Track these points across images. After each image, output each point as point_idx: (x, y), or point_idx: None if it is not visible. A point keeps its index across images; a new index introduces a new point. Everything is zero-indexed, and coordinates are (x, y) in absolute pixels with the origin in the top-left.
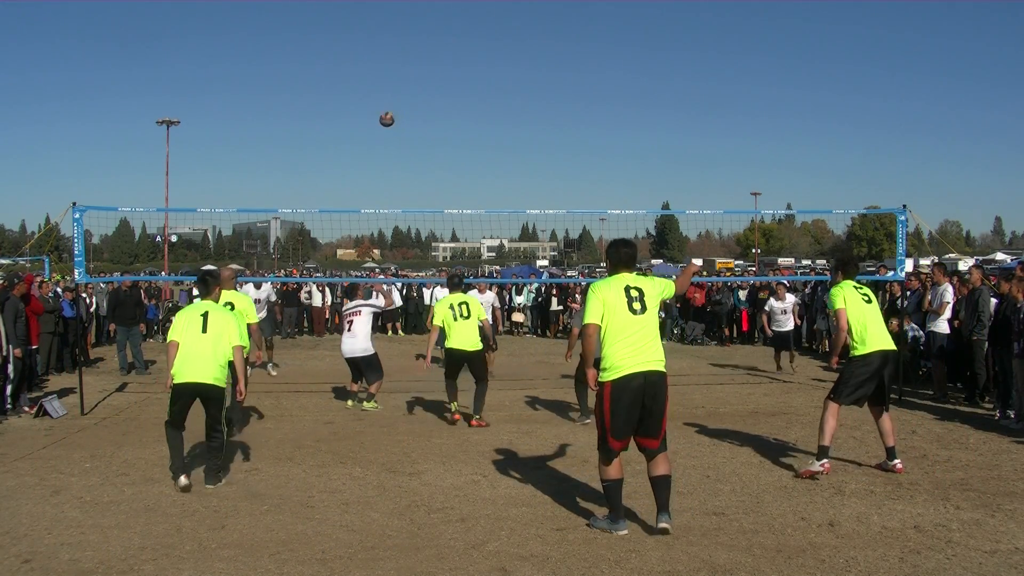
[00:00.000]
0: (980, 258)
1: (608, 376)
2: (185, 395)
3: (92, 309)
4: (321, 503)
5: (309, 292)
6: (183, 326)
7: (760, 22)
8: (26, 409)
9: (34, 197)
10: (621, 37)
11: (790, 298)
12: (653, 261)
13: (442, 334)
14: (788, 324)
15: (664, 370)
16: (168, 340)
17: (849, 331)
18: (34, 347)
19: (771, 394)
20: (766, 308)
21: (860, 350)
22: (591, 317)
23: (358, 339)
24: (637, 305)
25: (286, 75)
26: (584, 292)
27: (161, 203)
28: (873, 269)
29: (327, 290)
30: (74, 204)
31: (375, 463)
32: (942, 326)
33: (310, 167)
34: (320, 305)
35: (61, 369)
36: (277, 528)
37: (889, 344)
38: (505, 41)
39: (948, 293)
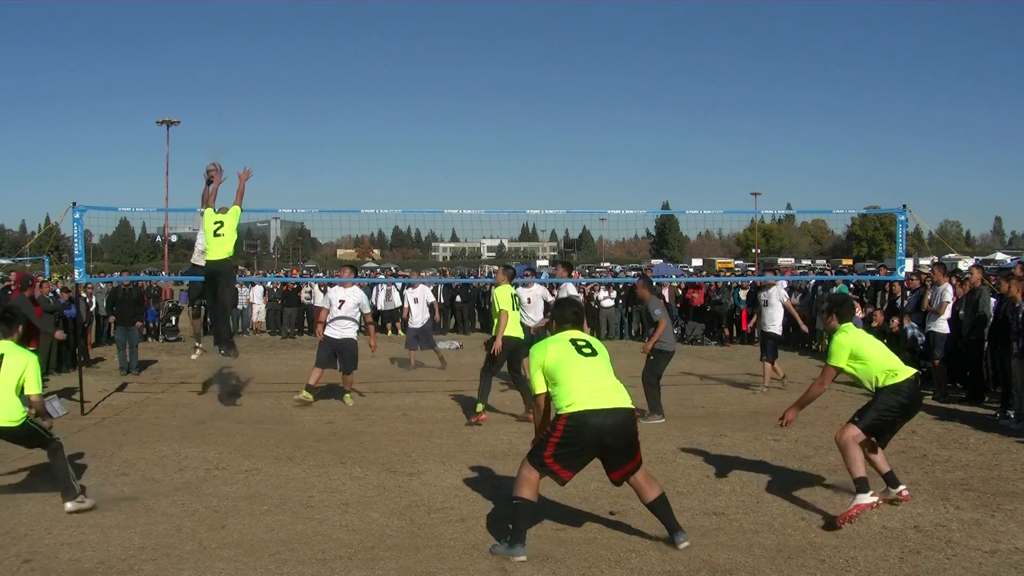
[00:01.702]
0: (980, 258)
1: (566, 409)
2: None
3: (92, 309)
4: (321, 503)
5: (310, 292)
6: None
7: (760, 22)
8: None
9: (34, 197)
10: (621, 38)
11: (776, 289)
12: (653, 261)
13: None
14: (773, 322)
15: (628, 406)
16: None
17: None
18: (32, 349)
19: (771, 394)
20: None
21: (892, 380)
22: (537, 386)
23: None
24: (587, 350)
25: (286, 75)
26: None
27: (161, 203)
28: (873, 269)
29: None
30: (74, 204)
31: (375, 463)
32: (942, 326)
33: (310, 167)
34: (321, 305)
35: (61, 369)
36: (277, 528)
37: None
38: (505, 41)
39: (948, 293)
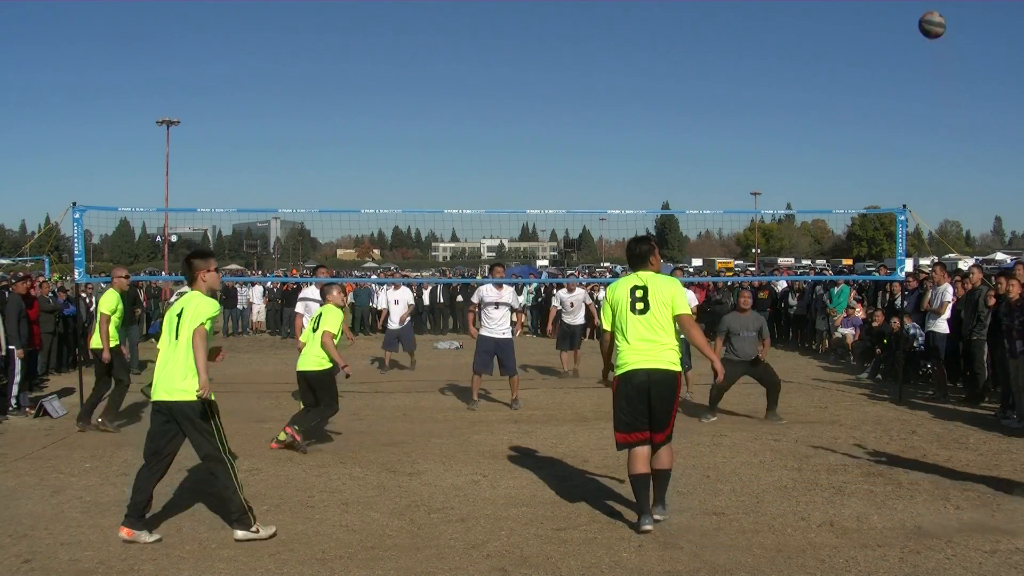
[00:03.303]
0: (980, 258)
1: (617, 371)
2: None
3: (92, 308)
4: (321, 503)
5: None
6: None
7: (760, 22)
8: (26, 409)
9: (34, 197)
10: (621, 37)
11: (580, 292)
12: None
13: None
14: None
15: (670, 368)
16: None
17: None
18: (33, 349)
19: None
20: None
21: None
22: (606, 323)
23: None
24: (640, 305)
25: (286, 75)
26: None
27: (161, 203)
28: (873, 269)
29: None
30: (74, 204)
31: (375, 463)
32: (942, 326)
33: (310, 167)
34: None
35: (61, 369)
36: (277, 528)
37: None
38: (505, 41)
39: (948, 293)
